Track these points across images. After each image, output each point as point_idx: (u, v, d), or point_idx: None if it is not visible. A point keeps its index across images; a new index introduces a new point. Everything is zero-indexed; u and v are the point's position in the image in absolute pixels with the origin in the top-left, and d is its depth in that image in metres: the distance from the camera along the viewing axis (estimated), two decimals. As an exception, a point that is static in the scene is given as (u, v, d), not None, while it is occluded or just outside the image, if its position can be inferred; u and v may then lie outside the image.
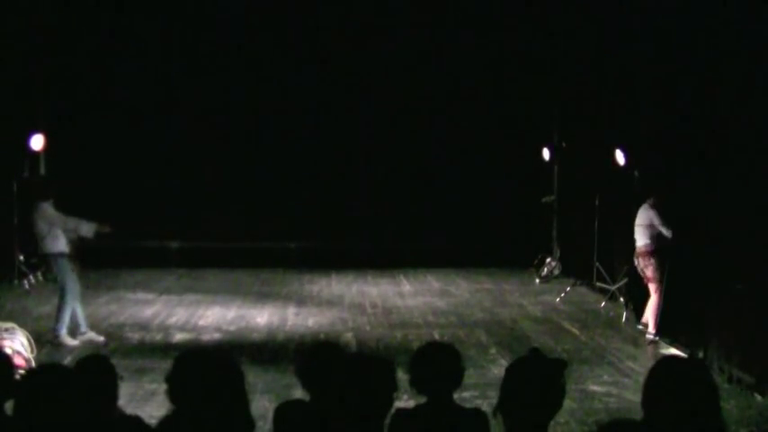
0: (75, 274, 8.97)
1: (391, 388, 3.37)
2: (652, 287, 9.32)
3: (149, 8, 14.00)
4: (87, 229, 9.02)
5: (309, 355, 4.03)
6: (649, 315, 9.34)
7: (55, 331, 8.84)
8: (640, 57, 10.02)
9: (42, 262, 9.60)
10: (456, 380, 3.74)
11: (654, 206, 9.31)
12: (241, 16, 14.17)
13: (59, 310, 8.90)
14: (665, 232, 9.18)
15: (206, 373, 3.31)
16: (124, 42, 14.13)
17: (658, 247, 9.25)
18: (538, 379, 2.99)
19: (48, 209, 8.89)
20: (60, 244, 8.86)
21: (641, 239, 9.36)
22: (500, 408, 3.00)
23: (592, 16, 11.81)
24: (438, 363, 3.72)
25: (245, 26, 14.22)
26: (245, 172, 14.64)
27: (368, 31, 14.32)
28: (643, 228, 9.33)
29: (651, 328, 9.30)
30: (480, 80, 14.40)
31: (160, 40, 14.20)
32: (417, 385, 3.71)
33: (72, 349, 8.68)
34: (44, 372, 3.37)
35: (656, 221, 9.21)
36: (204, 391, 3.24)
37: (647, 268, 9.32)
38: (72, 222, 8.96)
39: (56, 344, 8.76)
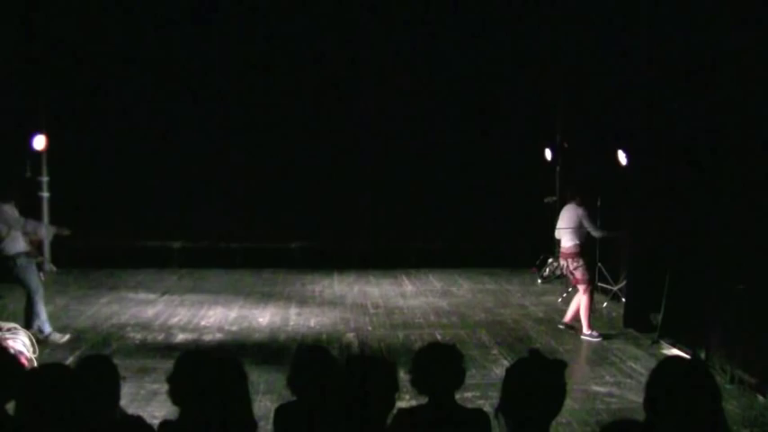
0: (35, 272, 8.98)
1: (392, 388, 3.38)
2: (582, 289, 9.34)
3: (150, 8, 14.01)
4: (46, 232, 9.07)
5: (296, 365, 4.00)
6: (582, 315, 9.37)
7: (41, 333, 8.86)
8: (642, 57, 10.01)
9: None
10: (457, 380, 3.74)
11: (581, 205, 9.30)
12: (242, 15, 14.18)
13: (34, 311, 8.90)
14: (594, 233, 9.21)
15: (207, 374, 3.32)
16: (126, 42, 14.14)
17: (583, 248, 9.29)
18: (538, 380, 2.99)
19: (8, 210, 8.88)
20: (19, 245, 8.87)
21: (570, 240, 9.31)
22: (501, 409, 3.01)
23: (594, 16, 11.80)
24: (439, 363, 3.72)
25: (246, 26, 14.22)
26: (248, 172, 14.65)
27: (370, 31, 14.33)
28: (571, 228, 9.28)
29: (585, 329, 9.34)
30: (482, 80, 14.39)
31: (161, 39, 14.21)
32: (419, 386, 3.71)
33: (64, 345, 8.75)
34: (46, 371, 3.37)
35: (585, 222, 9.19)
36: (205, 392, 3.24)
37: (576, 270, 9.30)
38: (30, 225, 8.97)
39: (48, 343, 8.80)
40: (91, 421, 3.33)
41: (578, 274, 9.34)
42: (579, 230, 9.26)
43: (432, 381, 3.69)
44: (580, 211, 9.30)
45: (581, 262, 9.32)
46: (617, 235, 9.63)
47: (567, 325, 9.63)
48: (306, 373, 3.88)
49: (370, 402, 3.31)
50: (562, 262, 9.54)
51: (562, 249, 9.47)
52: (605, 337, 9.41)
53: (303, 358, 4.06)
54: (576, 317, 9.53)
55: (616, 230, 9.72)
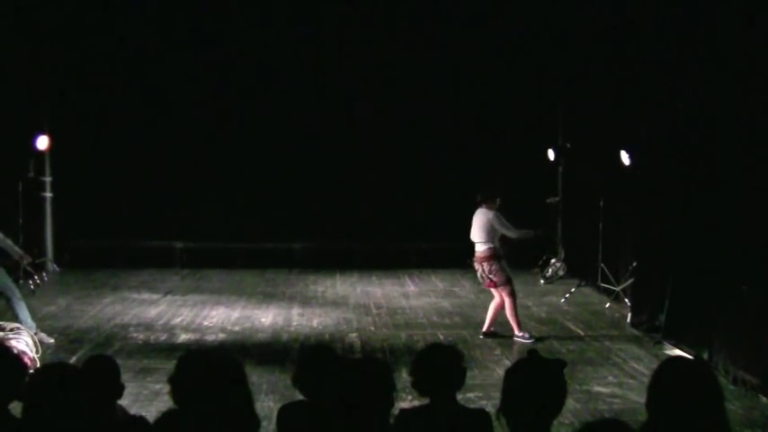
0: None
1: (389, 388, 3.37)
2: (503, 291, 9.27)
3: (151, 9, 14.03)
4: (10, 252, 8.96)
5: (302, 363, 4.02)
6: (510, 318, 9.28)
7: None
8: (645, 57, 10.00)
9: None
10: (458, 381, 3.74)
11: (491, 209, 9.23)
12: (243, 16, 14.19)
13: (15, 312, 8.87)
14: (510, 233, 9.20)
15: (208, 373, 3.32)
16: (127, 43, 14.17)
17: (499, 250, 9.23)
18: (537, 380, 2.99)
19: None
20: None
21: (483, 244, 9.23)
22: (502, 410, 3.01)
23: (596, 16, 11.79)
24: (439, 365, 3.71)
25: (246, 27, 14.23)
26: (250, 172, 14.66)
27: (371, 31, 14.33)
28: (483, 232, 9.21)
29: (517, 332, 9.27)
30: (485, 80, 14.38)
31: (162, 40, 14.22)
32: (420, 387, 3.71)
33: (65, 345, 8.74)
34: (51, 371, 3.37)
35: (497, 225, 9.14)
36: (207, 391, 3.24)
37: (492, 273, 9.21)
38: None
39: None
40: (94, 421, 3.33)
41: (496, 278, 9.24)
42: (491, 234, 9.18)
43: (432, 382, 3.68)
44: (491, 215, 9.19)
45: (496, 265, 9.20)
46: (533, 234, 9.57)
47: (487, 334, 9.40)
48: (310, 372, 3.88)
49: (367, 403, 3.31)
50: (477, 266, 9.39)
51: (476, 254, 9.33)
52: (610, 338, 9.40)
53: (307, 357, 4.07)
54: (493, 323, 9.41)
55: (533, 229, 9.63)
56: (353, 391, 3.29)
